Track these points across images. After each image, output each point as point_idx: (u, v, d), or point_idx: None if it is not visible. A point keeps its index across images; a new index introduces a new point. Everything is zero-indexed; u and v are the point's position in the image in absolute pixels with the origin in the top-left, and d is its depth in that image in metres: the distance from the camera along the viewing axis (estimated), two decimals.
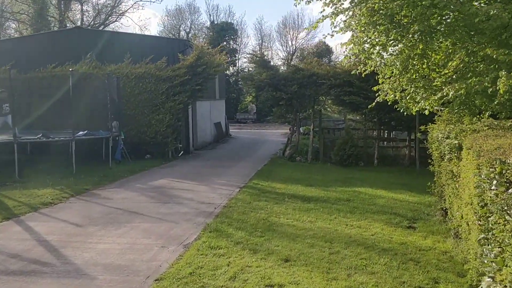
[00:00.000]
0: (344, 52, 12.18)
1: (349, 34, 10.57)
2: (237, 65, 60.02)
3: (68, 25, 42.97)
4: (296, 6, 10.21)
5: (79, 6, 46.68)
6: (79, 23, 43.52)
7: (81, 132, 16.57)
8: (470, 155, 5.91)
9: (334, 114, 39.85)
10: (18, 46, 23.06)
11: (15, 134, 14.59)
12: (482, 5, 9.18)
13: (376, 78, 11.05)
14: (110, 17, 48.40)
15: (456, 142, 7.48)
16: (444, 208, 9.15)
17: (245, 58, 59.10)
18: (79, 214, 10.03)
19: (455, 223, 7.62)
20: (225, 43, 52.30)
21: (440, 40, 9.18)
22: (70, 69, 17.11)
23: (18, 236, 8.35)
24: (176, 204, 11.02)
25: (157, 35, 55.26)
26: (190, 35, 57.26)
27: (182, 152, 21.63)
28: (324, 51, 57.57)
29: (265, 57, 29.86)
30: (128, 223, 9.21)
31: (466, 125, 8.08)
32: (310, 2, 10.11)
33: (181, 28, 63.34)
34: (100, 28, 43.94)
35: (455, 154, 7.53)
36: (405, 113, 11.12)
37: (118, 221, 9.41)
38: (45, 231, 8.64)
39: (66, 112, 16.50)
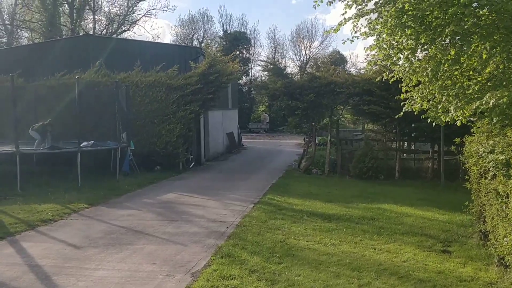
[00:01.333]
0: (365, 59, 11.36)
1: (370, 40, 9.74)
2: (250, 74, 59.37)
3: (80, 34, 42.60)
4: (315, 8, 9.32)
5: (91, 15, 46.38)
6: (91, 32, 43.12)
7: (86, 143, 15.79)
8: None
9: (349, 124, 38.88)
10: (27, 54, 22.50)
11: (17, 145, 13.86)
12: None
13: (399, 86, 10.12)
14: (122, 26, 48.02)
15: (503, 157, 6.55)
16: (484, 231, 8.16)
17: (258, 66, 58.53)
18: (79, 234, 9.19)
19: (502, 250, 6.64)
20: (238, 52, 51.63)
21: (476, 43, 8.27)
22: (76, 77, 16.41)
23: (9, 260, 7.51)
24: (185, 223, 10.14)
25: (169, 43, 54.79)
26: (203, 44, 56.73)
27: (193, 163, 20.81)
28: (338, 60, 56.69)
29: (279, 65, 29.07)
30: (131, 245, 8.34)
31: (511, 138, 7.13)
32: (332, 2, 9.19)
33: (194, 38, 62.94)
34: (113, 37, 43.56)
35: (502, 171, 6.58)
36: (433, 124, 10.19)
37: (121, 242, 8.54)
38: (39, 254, 7.80)
39: (73, 121, 15.77)
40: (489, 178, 7.22)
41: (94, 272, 6.91)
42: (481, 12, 7.63)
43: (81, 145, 15.25)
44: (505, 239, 6.43)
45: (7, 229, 9.41)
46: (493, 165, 6.86)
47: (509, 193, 6.29)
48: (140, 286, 6.32)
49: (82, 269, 7.05)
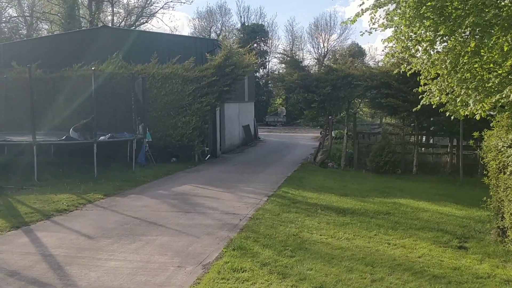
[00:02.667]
0: (382, 51, 11.19)
1: (388, 32, 9.56)
2: (267, 67, 59.24)
3: (99, 26, 42.89)
4: (333, 0, 9.14)
5: (110, 7, 46.61)
6: (109, 25, 43.36)
7: (102, 137, 15.86)
8: None
9: (367, 118, 38.55)
10: (45, 46, 22.73)
11: (34, 135, 13.99)
12: None
13: (418, 79, 9.92)
14: (140, 18, 48.23)
15: None
16: (502, 227, 7.97)
17: (275, 58, 58.26)
18: (93, 224, 9.23)
19: None
20: (255, 44, 51.46)
21: (497, 35, 8.04)
22: (93, 68, 16.49)
23: (23, 249, 7.56)
24: (198, 214, 10.12)
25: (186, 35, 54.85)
26: (220, 36, 56.70)
27: (208, 155, 20.83)
28: (357, 53, 56.23)
29: (297, 57, 28.88)
30: (144, 236, 8.35)
31: None
32: None
33: (211, 30, 62.99)
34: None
35: None
36: (452, 117, 10.00)
37: (134, 233, 8.55)
38: (53, 244, 7.84)
39: (91, 113, 15.86)
40: (508, 173, 7.05)
41: (106, 262, 6.92)
42: (502, 3, 7.44)
43: (99, 139, 15.34)
44: None
45: (23, 218, 9.49)
46: None
47: None
48: (151, 277, 6.30)
49: (94, 259, 7.06)
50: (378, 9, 8.76)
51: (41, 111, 17.79)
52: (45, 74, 20.03)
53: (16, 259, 7.02)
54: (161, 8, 49.62)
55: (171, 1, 62.18)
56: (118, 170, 15.88)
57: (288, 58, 23.92)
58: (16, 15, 42.68)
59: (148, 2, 47.16)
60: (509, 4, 7.53)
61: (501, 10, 7.56)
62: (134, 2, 48.02)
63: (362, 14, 8.82)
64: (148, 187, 13.65)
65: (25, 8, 42.58)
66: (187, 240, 8.13)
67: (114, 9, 46.84)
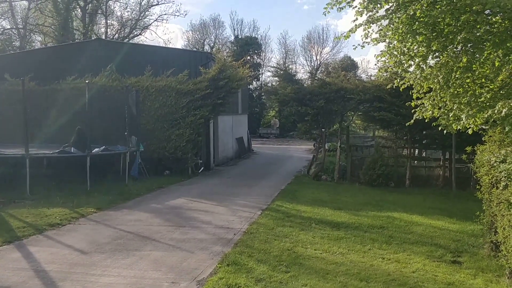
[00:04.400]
0: (375, 65, 11.29)
1: (381, 45, 9.61)
2: (260, 79, 59.53)
3: (92, 38, 42.96)
4: (325, 14, 9.22)
5: (104, 19, 46.72)
6: (103, 37, 43.42)
7: (96, 149, 15.81)
8: None
9: (359, 130, 38.68)
10: (39, 58, 22.71)
11: (27, 148, 13.91)
12: None
13: (411, 93, 10.00)
14: (134, 31, 48.36)
15: None
16: (495, 241, 8.00)
17: (269, 72, 58.60)
18: (86, 239, 9.16)
19: None
20: (249, 57, 51.68)
21: (489, 51, 8.14)
22: (87, 81, 16.48)
23: (15, 265, 7.49)
24: (192, 229, 10.08)
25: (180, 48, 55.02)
26: (214, 49, 56.92)
27: (202, 168, 20.80)
28: (349, 66, 56.58)
29: (290, 70, 29.02)
30: (137, 251, 8.30)
31: None
32: (343, 9, 9.08)
33: (205, 43, 63.23)
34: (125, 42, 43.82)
35: None
36: (444, 131, 10.07)
37: (127, 248, 8.50)
38: (46, 259, 7.78)
39: (84, 125, 15.82)
40: (501, 188, 7.08)
41: (100, 278, 6.87)
42: (493, 19, 7.54)
43: (93, 151, 15.29)
44: None
45: (15, 233, 9.42)
46: (505, 175, 6.73)
47: None
48: None
49: (88, 275, 7.01)
50: (371, 24, 8.82)
51: (34, 123, 17.71)
52: (38, 86, 20.00)
53: (8, 275, 6.96)
54: (154, 20, 49.80)
55: (165, 14, 62.89)
56: (111, 183, 15.80)
57: (282, 72, 24.12)
58: (10, 27, 42.70)
59: (142, 15, 47.36)
60: (500, 21, 7.64)
61: (492, 26, 7.66)
62: (128, 15, 48.10)
63: (356, 30, 8.88)
64: (141, 201, 13.59)
65: (19, 20, 42.61)
66: (181, 255, 8.09)
67: (108, 22, 46.99)
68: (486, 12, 7.34)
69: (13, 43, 41.95)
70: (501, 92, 8.78)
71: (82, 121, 16.14)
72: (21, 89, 14.82)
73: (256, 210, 12.12)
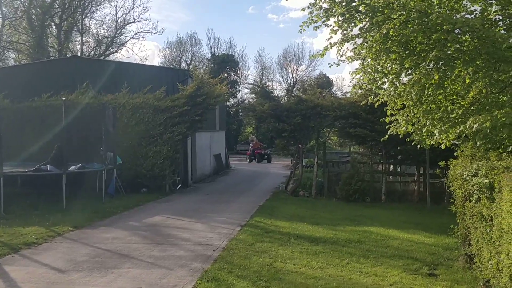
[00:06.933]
0: (350, 82, 11.55)
1: (355, 63, 9.87)
2: (237, 96, 59.80)
3: (68, 55, 42.62)
4: (301, 32, 9.43)
5: (79, 36, 46.46)
6: (79, 54, 43.13)
7: (73, 167, 15.64)
8: None
9: (335, 147, 39.11)
10: (13, 75, 22.37)
11: (1, 167, 13.67)
12: (502, 31, 8.53)
13: (384, 109, 10.26)
14: (110, 48, 48.14)
15: (487, 181, 6.63)
16: (469, 254, 8.20)
17: (246, 88, 58.98)
18: (63, 257, 9.04)
19: (487, 273, 6.68)
20: (226, 74, 51.97)
21: (459, 68, 8.44)
22: (63, 98, 16.36)
23: None
24: (171, 246, 10.04)
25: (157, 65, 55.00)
26: (191, 66, 57.02)
27: (180, 185, 20.71)
28: (324, 83, 57.37)
29: (267, 87, 29.31)
30: (116, 269, 8.23)
31: (494, 161, 7.23)
32: (318, 27, 9.30)
33: (182, 60, 63.40)
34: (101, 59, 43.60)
35: (486, 195, 6.67)
36: (418, 147, 10.35)
37: (106, 266, 8.42)
38: (22, 278, 7.66)
39: (60, 143, 15.66)
40: (473, 201, 7.29)
41: None
42: (463, 38, 7.82)
43: (69, 169, 15.12)
44: (489, 262, 6.48)
45: None
46: (477, 188, 6.94)
47: (493, 216, 6.36)
48: None
49: None
50: (345, 43, 9.04)
51: (8, 141, 17.43)
52: (12, 104, 19.72)
53: None
54: (131, 38, 49.52)
55: (142, 31, 62.50)
56: (87, 201, 15.59)
57: (259, 89, 24.33)
58: None
59: (118, 32, 47.22)
60: (469, 40, 7.92)
61: (462, 45, 7.95)
62: (104, 32, 47.90)
63: (331, 48, 9.08)
64: (118, 219, 13.46)
65: None
66: (160, 272, 8.05)
67: (84, 39, 46.73)
68: (456, 31, 7.62)
69: None
70: (472, 108, 9.07)
71: (58, 138, 15.98)
72: None
73: (235, 226, 12.14)
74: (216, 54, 60.62)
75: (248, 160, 39.94)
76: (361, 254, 9.38)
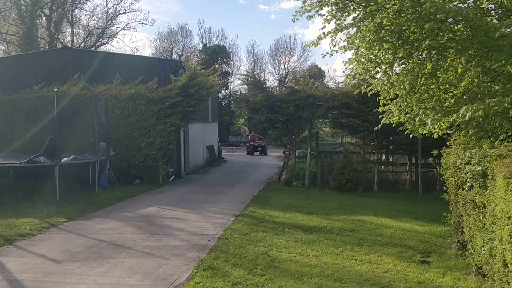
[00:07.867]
0: (342, 72, 11.58)
1: (348, 54, 9.87)
2: (229, 87, 59.55)
3: (58, 47, 42.22)
4: (294, 22, 9.43)
5: (70, 28, 46.02)
6: (69, 45, 42.76)
7: (66, 159, 15.58)
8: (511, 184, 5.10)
9: (327, 138, 39.21)
10: (3, 67, 22.16)
11: None
12: (494, 21, 8.58)
13: (377, 99, 10.32)
14: (101, 39, 47.75)
15: (480, 168, 6.71)
16: (462, 241, 8.31)
17: (238, 80, 58.74)
18: (58, 248, 9.05)
19: (480, 260, 6.78)
20: (217, 65, 51.76)
21: (452, 58, 8.49)
22: (55, 90, 16.25)
23: None
24: (166, 236, 10.08)
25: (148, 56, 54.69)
26: (182, 57, 56.71)
27: (173, 176, 20.71)
28: (316, 74, 57.30)
29: (259, 78, 29.28)
30: (112, 259, 8.25)
31: (487, 149, 7.31)
32: (312, 17, 9.30)
33: (173, 51, 62.96)
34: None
35: (479, 182, 6.75)
36: (410, 136, 10.43)
37: (101, 256, 8.45)
38: (18, 269, 7.66)
39: (52, 134, 15.58)
40: (466, 189, 7.38)
41: (75, 286, 6.83)
42: (456, 27, 7.87)
43: (62, 160, 15.06)
44: (482, 248, 6.57)
45: None
46: (470, 176, 7.02)
47: (485, 204, 6.44)
48: None
49: (62, 283, 6.95)
50: (339, 32, 9.06)
51: (0, 133, 17.35)
52: (3, 95, 19.58)
53: None
54: (122, 29, 49.07)
55: (133, 22, 61.87)
56: (81, 192, 15.57)
57: (252, 80, 24.25)
58: None
59: (109, 23, 46.83)
60: (462, 29, 7.97)
61: (455, 34, 8.00)
62: (95, 23, 47.45)
63: (325, 37, 9.10)
64: (112, 210, 13.46)
65: None
66: (156, 262, 8.09)
67: (74, 30, 46.28)
68: (449, 20, 7.65)
69: None
70: (464, 97, 9.13)
71: (51, 130, 15.90)
72: None
73: (230, 216, 12.19)
74: (208, 45, 60.26)
75: (246, 152, 38.85)
76: (355, 243, 9.48)
